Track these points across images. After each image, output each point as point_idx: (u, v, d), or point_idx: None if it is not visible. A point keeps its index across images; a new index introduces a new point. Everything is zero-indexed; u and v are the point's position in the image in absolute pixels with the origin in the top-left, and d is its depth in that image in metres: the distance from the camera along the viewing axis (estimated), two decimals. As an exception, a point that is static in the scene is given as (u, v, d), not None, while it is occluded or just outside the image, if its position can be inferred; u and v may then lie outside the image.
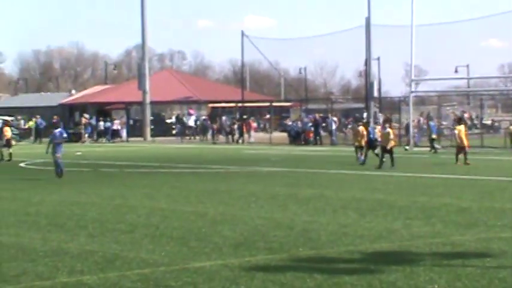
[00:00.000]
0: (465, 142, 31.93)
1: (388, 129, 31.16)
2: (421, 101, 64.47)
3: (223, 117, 66.07)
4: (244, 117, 62.93)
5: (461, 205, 18.02)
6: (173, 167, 33.00)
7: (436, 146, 42.61)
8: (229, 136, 61.91)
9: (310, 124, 56.07)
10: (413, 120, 48.93)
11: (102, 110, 74.45)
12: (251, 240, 13.53)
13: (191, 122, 70.44)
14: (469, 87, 66.18)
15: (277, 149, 49.32)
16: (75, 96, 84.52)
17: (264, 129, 70.48)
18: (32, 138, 67.65)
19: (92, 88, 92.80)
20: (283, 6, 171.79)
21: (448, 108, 64.95)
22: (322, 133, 56.06)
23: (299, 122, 58.19)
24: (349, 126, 56.55)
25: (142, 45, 72.14)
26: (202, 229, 14.84)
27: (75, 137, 65.18)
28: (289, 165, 32.93)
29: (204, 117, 70.52)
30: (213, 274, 10.86)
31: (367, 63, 58.05)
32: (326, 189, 22.13)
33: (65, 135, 29.19)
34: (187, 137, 67.09)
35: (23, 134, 68.43)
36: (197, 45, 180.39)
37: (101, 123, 68.75)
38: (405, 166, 30.73)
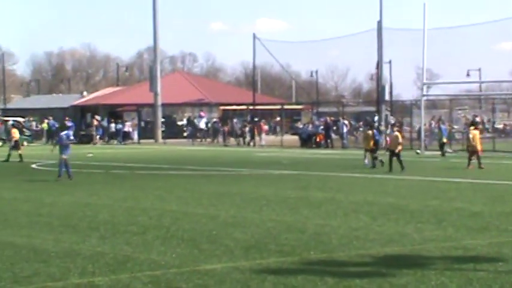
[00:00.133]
0: (479, 147, 31.98)
1: (396, 133, 31.11)
2: (432, 104, 64.24)
3: (235, 120, 66.08)
4: (256, 119, 62.96)
5: (473, 209, 17.98)
6: (184, 169, 33.06)
7: (448, 150, 42.51)
8: (240, 139, 61.93)
9: (322, 127, 56.06)
10: (425, 124, 48.82)
11: (114, 112, 74.58)
12: (262, 243, 13.53)
13: (202, 125, 70.44)
14: (481, 91, 66.04)
15: (288, 151, 49.32)
16: (87, 97, 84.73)
17: (275, 132, 70.48)
18: (44, 139, 67.87)
19: (104, 90, 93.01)
20: (295, 9, 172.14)
21: (459, 112, 64.82)
22: (334, 136, 56.00)
23: (310, 125, 58.18)
24: (361, 129, 56.46)
25: (154, 48, 72.32)
26: (214, 231, 14.84)
27: (87, 139, 65.41)
28: (300, 168, 32.93)
29: (215, 120, 70.59)
30: (223, 276, 10.86)
31: (379, 66, 57.91)
32: (337, 193, 22.12)
33: (71, 137, 29.23)
34: (199, 139, 67.12)
35: (35, 135, 68.67)
36: (209, 48, 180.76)
37: (113, 125, 68.92)
38: (416, 170, 30.67)
